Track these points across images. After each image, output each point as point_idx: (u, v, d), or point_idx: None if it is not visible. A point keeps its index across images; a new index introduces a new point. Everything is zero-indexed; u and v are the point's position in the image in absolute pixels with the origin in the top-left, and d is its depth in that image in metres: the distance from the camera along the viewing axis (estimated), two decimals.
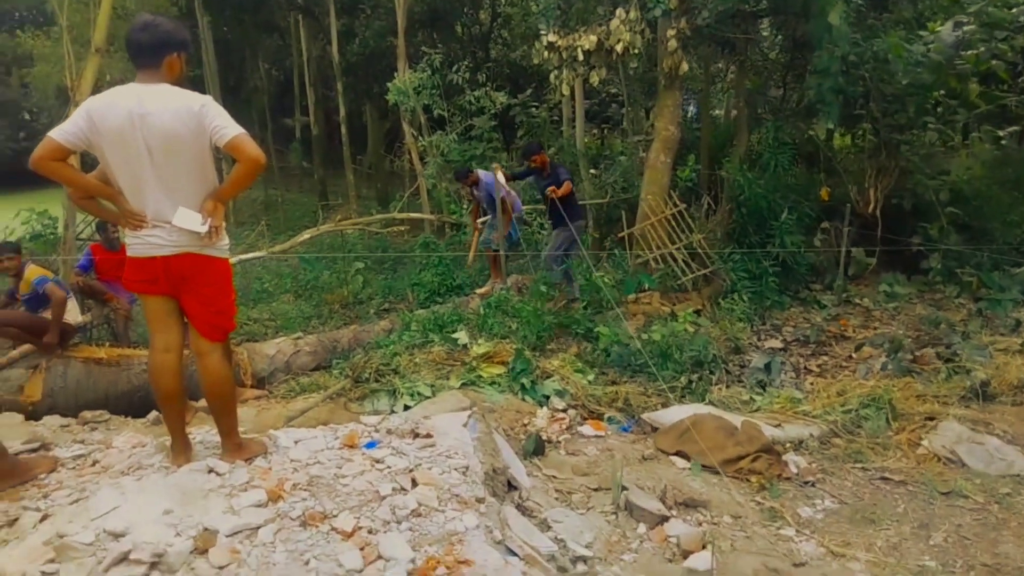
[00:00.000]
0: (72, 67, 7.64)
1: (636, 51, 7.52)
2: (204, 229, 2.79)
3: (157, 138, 2.67)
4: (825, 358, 6.90)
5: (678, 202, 8.21)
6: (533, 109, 12.80)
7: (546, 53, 7.96)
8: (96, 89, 6.13)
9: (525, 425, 4.26)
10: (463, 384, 4.65)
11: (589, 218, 10.39)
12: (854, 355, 6.77)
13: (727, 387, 5.60)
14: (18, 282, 5.64)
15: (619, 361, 6.01)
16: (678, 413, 4.34)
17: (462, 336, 5.29)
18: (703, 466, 3.81)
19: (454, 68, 10.85)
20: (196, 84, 19.88)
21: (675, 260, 7.96)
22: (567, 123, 12.79)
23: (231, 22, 18.96)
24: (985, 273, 8.04)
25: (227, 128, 2.71)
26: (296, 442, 3.32)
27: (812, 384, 6.08)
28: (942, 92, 8.59)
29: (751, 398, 5.19)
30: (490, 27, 17.85)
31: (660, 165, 8.26)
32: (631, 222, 8.52)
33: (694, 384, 5.42)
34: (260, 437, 3.31)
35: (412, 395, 4.52)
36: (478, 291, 7.83)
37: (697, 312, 7.70)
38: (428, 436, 3.40)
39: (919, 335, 7.00)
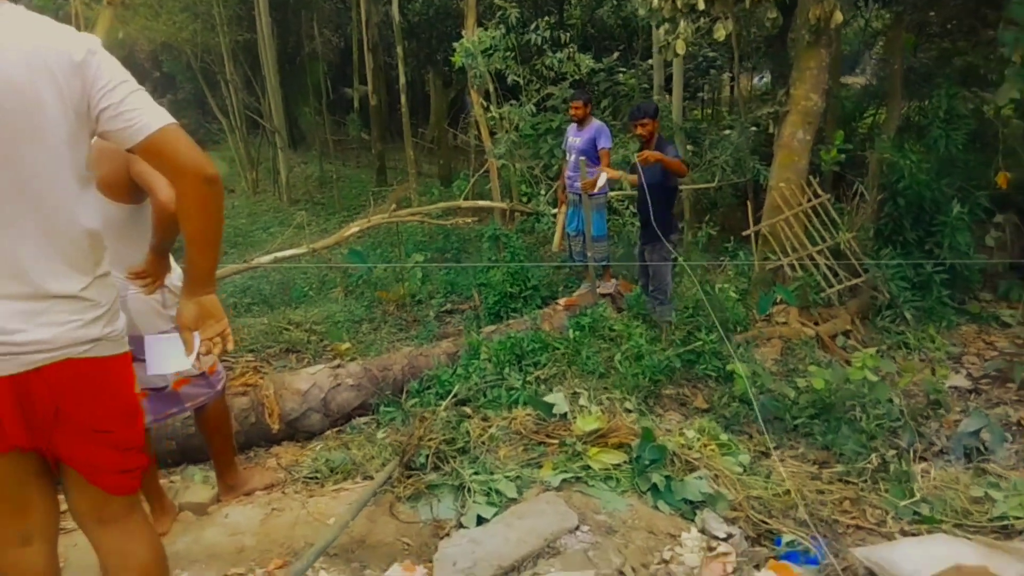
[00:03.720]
0: (81, 21, 6.37)
1: None
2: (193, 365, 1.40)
3: None
4: None
5: (820, 191, 6.43)
6: (620, 75, 11.04)
7: (655, 2, 6.24)
8: (109, 50, 4.80)
9: (667, 562, 2.71)
10: (563, 480, 3.11)
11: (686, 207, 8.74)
12: None
13: (932, 467, 3.92)
14: None
15: (766, 415, 4.39)
16: (912, 554, 2.70)
17: (559, 402, 3.70)
18: None
19: (532, 27, 9.20)
20: (250, 50, 18.57)
21: (816, 266, 6.22)
22: (658, 91, 10.97)
23: None
24: None
25: (140, 111, 1.25)
26: None
27: None
28: None
29: (985, 493, 3.49)
30: None
31: (797, 144, 6.45)
32: (754, 214, 6.77)
33: (891, 466, 3.75)
34: None
35: (488, 494, 3.02)
36: (561, 302, 6.27)
37: (845, 334, 6.00)
38: None
39: None
